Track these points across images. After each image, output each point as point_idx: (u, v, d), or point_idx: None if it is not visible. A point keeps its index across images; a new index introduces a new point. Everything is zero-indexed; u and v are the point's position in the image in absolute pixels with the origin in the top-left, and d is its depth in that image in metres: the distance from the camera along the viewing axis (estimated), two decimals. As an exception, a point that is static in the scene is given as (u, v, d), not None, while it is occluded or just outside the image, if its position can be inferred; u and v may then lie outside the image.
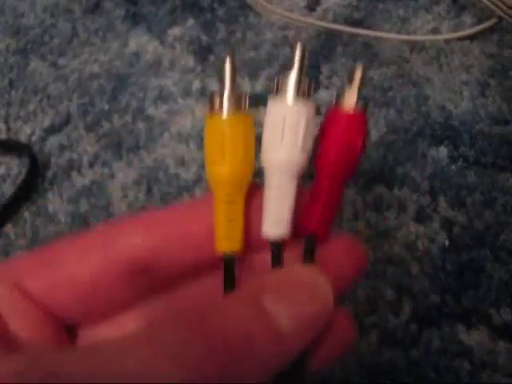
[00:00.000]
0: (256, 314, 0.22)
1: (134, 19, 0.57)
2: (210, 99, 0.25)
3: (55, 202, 0.46)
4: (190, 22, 0.56)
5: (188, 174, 0.45)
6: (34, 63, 0.56)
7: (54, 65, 0.55)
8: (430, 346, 0.36)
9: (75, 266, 0.26)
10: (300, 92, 0.25)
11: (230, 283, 0.25)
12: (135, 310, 0.27)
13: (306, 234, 0.26)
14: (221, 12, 0.56)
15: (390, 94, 0.47)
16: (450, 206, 0.41)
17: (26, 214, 0.45)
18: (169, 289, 0.27)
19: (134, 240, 0.26)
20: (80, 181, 0.47)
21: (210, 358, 0.20)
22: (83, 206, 0.45)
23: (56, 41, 0.57)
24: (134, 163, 0.47)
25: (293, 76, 0.25)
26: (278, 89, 0.25)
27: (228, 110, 0.25)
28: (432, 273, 0.38)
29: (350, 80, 0.26)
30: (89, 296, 0.26)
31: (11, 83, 0.54)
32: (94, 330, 0.27)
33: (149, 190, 0.45)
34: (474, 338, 0.36)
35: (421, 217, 0.41)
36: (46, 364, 0.19)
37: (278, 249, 0.26)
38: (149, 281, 0.26)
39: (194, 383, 0.19)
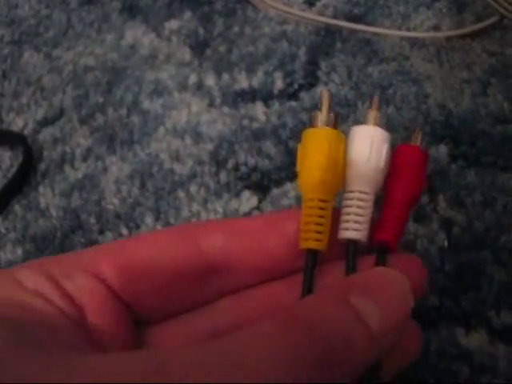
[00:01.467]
0: (348, 313, 0.22)
1: (131, 11, 0.56)
2: (311, 117, 0.29)
3: (47, 195, 0.45)
4: (188, 14, 0.55)
5: (183, 170, 0.44)
6: (28, 54, 0.55)
7: (49, 56, 0.54)
8: (427, 349, 0.35)
9: (156, 259, 0.26)
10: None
11: (310, 279, 0.27)
12: (202, 310, 0.28)
13: (379, 243, 0.29)
14: (218, 5, 0.55)
15: (390, 91, 0.46)
16: (449, 206, 0.40)
17: (17, 208, 0.45)
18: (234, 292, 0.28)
19: (214, 242, 0.27)
20: (73, 174, 0.46)
21: (318, 361, 0.20)
22: (75, 200, 0.44)
23: (51, 32, 0.56)
24: (128, 157, 0.46)
25: (374, 113, 0.29)
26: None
27: (332, 125, 0.29)
28: (431, 274, 0.37)
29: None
30: (166, 291, 0.26)
31: (4, 74, 0.53)
32: (161, 327, 0.28)
33: (142, 185, 0.44)
34: (473, 341, 0.35)
35: (420, 216, 0.40)
36: (176, 368, 0.18)
37: (353, 249, 0.28)
38: (219, 283, 0.27)
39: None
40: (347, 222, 0.28)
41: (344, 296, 0.22)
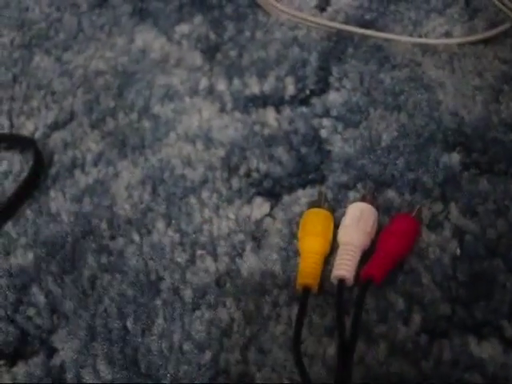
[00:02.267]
0: None
1: (141, 15, 0.56)
2: (318, 199, 0.42)
3: (58, 200, 0.45)
4: (198, 18, 0.55)
5: (194, 175, 0.44)
6: (39, 58, 0.55)
7: (59, 60, 0.54)
8: (440, 358, 0.35)
9: None
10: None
11: (303, 311, 0.37)
12: None
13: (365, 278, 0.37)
14: (229, 10, 0.55)
15: (402, 97, 0.46)
16: (461, 214, 0.40)
17: (28, 213, 0.45)
18: None
19: None
20: (83, 179, 0.46)
21: None
22: (86, 205, 0.44)
23: (61, 36, 0.56)
24: (139, 163, 0.46)
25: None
26: (363, 199, 0.41)
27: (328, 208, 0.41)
28: (443, 282, 0.37)
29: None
30: None
31: (15, 78, 0.54)
32: None
33: (154, 191, 0.44)
34: (486, 350, 0.35)
35: (432, 224, 0.40)
36: None
37: (341, 285, 0.37)
38: None
39: None
40: (339, 264, 0.38)
41: None
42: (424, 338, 0.36)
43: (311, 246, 0.39)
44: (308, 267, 0.38)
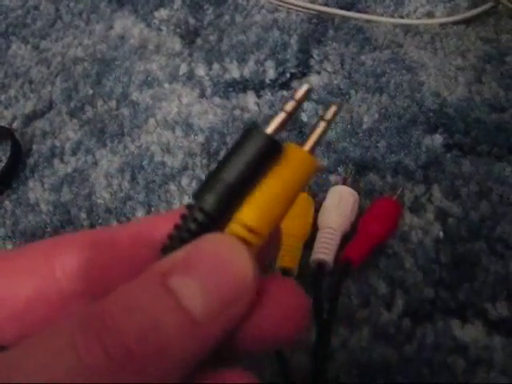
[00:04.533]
0: (161, 295, 0.19)
1: (120, 1, 0.56)
2: None
3: (36, 190, 0.44)
4: (177, 3, 0.54)
5: (174, 162, 0.44)
6: (16, 46, 0.54)
7: (37, 48, 0.53)
8: (423, 342, 0.34)
9: (7, 287, 0.23)
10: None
11: None
12: None
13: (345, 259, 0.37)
14: (209, -6, 0.55)
15: (383, 79, 0.46)
16: (444, 196, 0.39)
17: (7, 203, 0.44)
18: None
19: (71, 258, 0.23)
20: (62, 169, 0.45)
21: (110, 363, 0.18)
22: (65, 194, 0.43)
23: (39, 23, 0.55)
24: (118, 150, 0.45)
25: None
26: (343, 182, 0.40)
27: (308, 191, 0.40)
28: (426, 266, 0.37)
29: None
30: (23, 318, 0.23)
31: (-8, 67, 0.53)
32: None
33: (133, 179, 0.43)
34: (469, 333, 0.34)
35: (415, 207, 0.39)
36: None
37: (320, 269, 0.37)
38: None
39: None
40: (319, 248, 0.38)
41: (162, 279, 0.19)
42: (407, 322, 0.35)
43: (289, 228, 0.38)
44: (286, 250, 0.38)
